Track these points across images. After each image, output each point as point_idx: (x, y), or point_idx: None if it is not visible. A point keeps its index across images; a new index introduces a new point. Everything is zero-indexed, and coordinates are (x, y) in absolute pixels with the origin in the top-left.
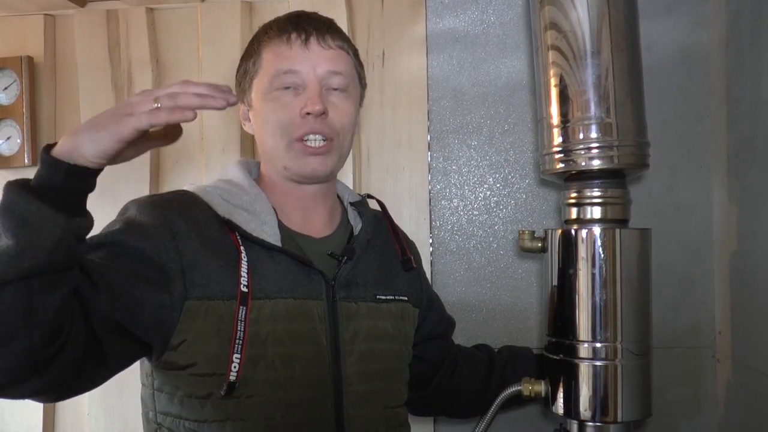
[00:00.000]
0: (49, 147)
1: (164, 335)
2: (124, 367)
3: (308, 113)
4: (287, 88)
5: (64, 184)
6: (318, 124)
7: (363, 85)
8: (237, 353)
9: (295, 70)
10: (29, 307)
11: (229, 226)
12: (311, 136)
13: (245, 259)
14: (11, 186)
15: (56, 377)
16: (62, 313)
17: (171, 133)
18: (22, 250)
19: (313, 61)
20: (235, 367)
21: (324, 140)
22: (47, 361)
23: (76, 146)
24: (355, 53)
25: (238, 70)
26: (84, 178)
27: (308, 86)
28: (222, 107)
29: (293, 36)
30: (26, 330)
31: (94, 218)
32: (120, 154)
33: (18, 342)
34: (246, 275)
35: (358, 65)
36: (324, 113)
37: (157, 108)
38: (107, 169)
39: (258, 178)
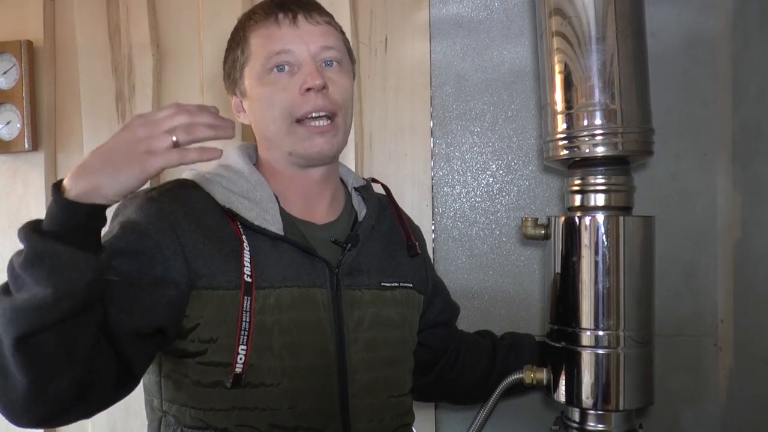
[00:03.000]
0: (58, 186)
1: (178, 327)
2: (149, 364)
3: (309, 89)
4: (282, 70)
5: (87, 226)
6: (320, 100)
7: (353, 60)
8: (243, 344)
9: (288, 50)
10: (71, 344)
11: (230, 216)
12: (314, 114)
13: (247, 249)
14: (32, 234)
15: (98, 401)
16: (97, 343)
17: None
18: (60, 297)
19: (305, 38)
20: (240, 359)
21: (328, 119)
22: (88, 390)
23: (95, 187)
24: (341, 30)
25: (225, 62)
26: (102, 215)
27: (303, 64)
28: (232, 136)
29: (280, 16)
30: (71, 364)
31: None
32: None
33: (65, 377)
34: (249, 265)
35: (346, 41)
36: (324, 87)
37: (184, 149)
38: None
39: (257, 163)
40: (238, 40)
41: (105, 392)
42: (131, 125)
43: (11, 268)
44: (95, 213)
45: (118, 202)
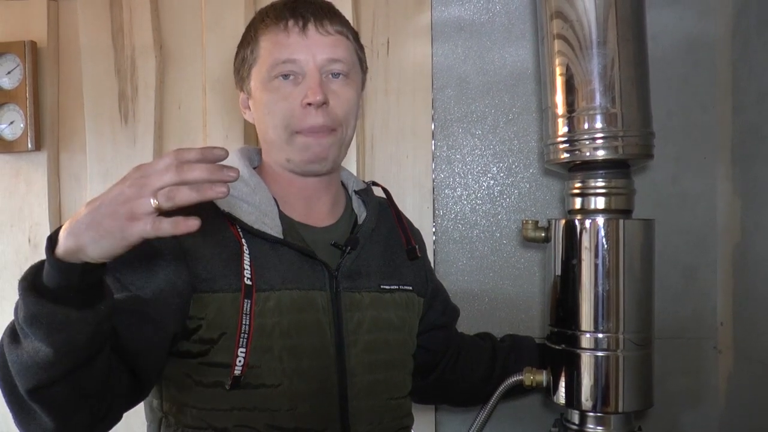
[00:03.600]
0: (53, 238)
1: (183, 329)
2: (161, 370)
3: (309, 104)
4: (287, 77)
5: (83, 283)
6: (320, 117)
7: (364, 69)
8: (242, 347)
9: (294, 59)
10: (83, 387)
11: (230, 219)
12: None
13: (247, 252)
14: (28, 294)
15: (115, 415)
16: (107, 375)
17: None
18: (62, 355)
19: (312, 49)
20: (240, 361)
21: (328, 130)
22: (109, 407)
23: (81, 247)
24: (356, 37)
25: (236, 57)
26: (99, 269)
27: (308, 75)
28: (223, 195)
29: (290, 23)
30: (88, 401)
31: None
32: None
33: (84, 411)
34: (249, 268)
35: (359, 49)
36: (325, 103)
37: (158, 220)
38: (110, 157)
39: (259, 166)
40: (249, 39)
41: (123, 406)
42: (126, 178)
43: (16, 315)
44: (90, 269)
45: (105, 261)
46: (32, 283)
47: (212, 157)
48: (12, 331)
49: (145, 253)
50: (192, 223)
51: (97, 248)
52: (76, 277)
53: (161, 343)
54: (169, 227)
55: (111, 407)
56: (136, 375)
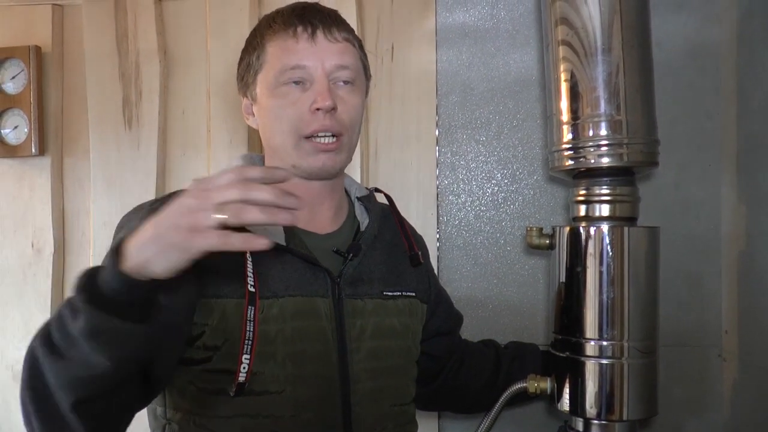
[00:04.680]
0: (116, 252)
1: (189, 326)
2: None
3: (318, 109)
4: (295, 83)
5: (146, 299)
6: (328, 121)
7: (368, 76)
8: (246, 354)
9: (303, 65)
10: (121, 400)
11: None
12: (321, 133)
13: (250, 259)
14: (91, 307)
15: (131, 416)
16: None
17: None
18: (119, 369)
19: (321, 55)
20: (244, 368)
21: (334, 137)
22: (127, 419)
23: (145, 263)
24: (360, 44)
25: (240, 63)
26: (161, 285)
27: (316, 81)
28: (288, 224)
29: (299, 29)
30: (118, 413)
31: (102, 210)
32: None
33: (110, 426)
34: (252, 275)
35: (364, 57)
36: (334, 108)
37: (228, 234)
38: (114, 161)
39: None
40: (255, 44)
41: (134, 412)
42: (186, 192)
43: (62, 324)
44: (153, 287)
45: (171, 276)
46: (92, 294)
47: (275, 178)
48: (48, 341)
49: None
50: (263, 242)
51: (162, 262)
52: (142, 293)
53: (180, 348)
54: (239, 242)
55: (128, 417)
56: (148, 380)
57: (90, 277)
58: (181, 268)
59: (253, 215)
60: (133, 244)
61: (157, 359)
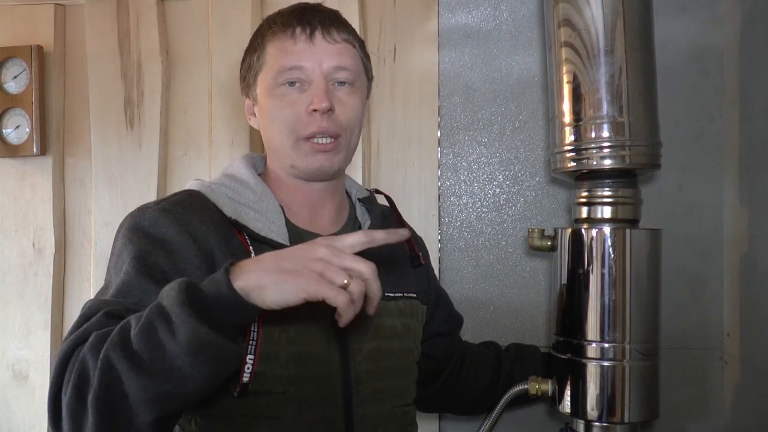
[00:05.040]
0: (228, 271)
1: None
2: None
3: (315, 110)
4: (293, 84)
5: (247, 322)
6: (325, 122)
7: (369, 78)
8: (251, 354)
9: (300, 66)
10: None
11: (237, 227)
12: (318, 135)
13: None
14: (201, 323)
15: None
16: None
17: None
18: (209, 387)
19: (319, 56)
20: (248, 368)
21: (331, 138)
22: None
23: (261, 287)
24: (362, 45)
25: (242, 64)
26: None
27: (314, 82)
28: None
29: (298, 30)
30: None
31: (103, 210)
32: None
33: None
34: None
35: (365, 57)
36: (331, 110)
37: (348, 296)
38: (115, 161)
39: (264, 173)
40: (256, 45)
41: None
42: (316, 242)
43: (152, 336)
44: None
45: (273, 309)
46: (198, 309)
47: (397, 239)
48: (129, 352)
49: (173, 260)
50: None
51: (276, 292)
52: (252, 317)
53: None
54: (351, 312)
55: None
56: None
57: (190, 290)
58: (287, 305)
59: (373, 293)
60: (248, 267)
61: None
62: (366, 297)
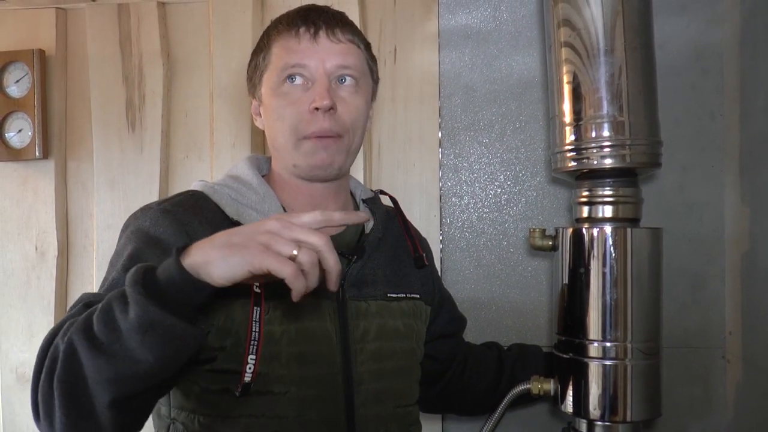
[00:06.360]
0: (180, 251)
1: None
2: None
3: (316, 108)
4: (296, 83)
5: (202, 302)
6: (327, 121)
7: (375, 79)
8: (252, 354)
9: (304, 65)
10: (151, 402)
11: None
12: (319, 135)
13: None
14: (150, 302)
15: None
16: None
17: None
18: (164, 368)
19: (322, 55)
20: (250, 368)
21: (334, 137)
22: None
23: (207, 262)
24: (367, 47)
25: (249, 65)
26: (213, 295)
27: (317, 81)
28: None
29: (302, 30)
30: (144, 415)
31: (106, 212)
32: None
33: (134, 428)
34: None
35: (370, 59)
36: (332, 108)
37: (296, 267)
38: (117, 164)
39: (268, 174)
40: (261, 45)
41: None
42: (269, 217)
43: (109, 317)
44: (212, 293)
45: (224, 285)
46: (148, 288)
47: (356, 221)
48: (89, 334)
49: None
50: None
51: (223, 266)
52: (204, 295)
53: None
54: (301, 284)
55: (148, 414)
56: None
57: (146, 272)
58: (235, 280)
59: (327, 262)
60: (199, 245)
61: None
62: (326, 274)
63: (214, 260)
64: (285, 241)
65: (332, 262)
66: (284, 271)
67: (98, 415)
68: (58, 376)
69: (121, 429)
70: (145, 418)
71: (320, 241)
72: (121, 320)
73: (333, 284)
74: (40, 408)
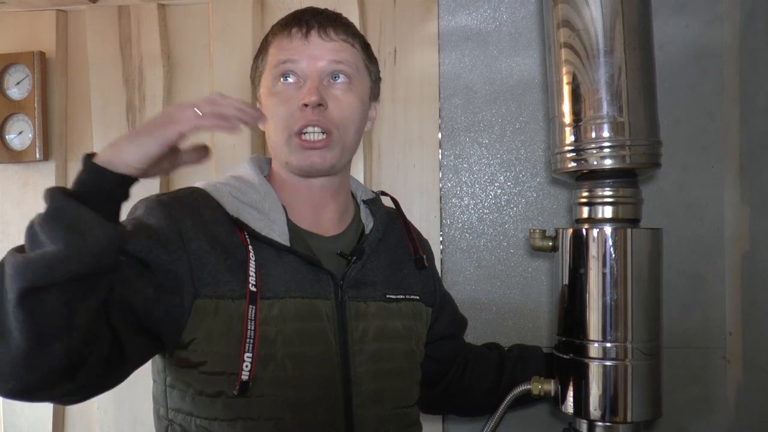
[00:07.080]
0: (90, 156)
1: (175, 332)
2: (140, 365)
3: (305, 105)
4: (289, 81)
5: (111, 194)
6: (315, 116)
7: (374, 79)
8: (248, 352)
9: (294, 61)
10: (71, 310)
11: (238, 225)
12: (309, 129)
13: (253, 259)
14: (56, 193)
15: (85, 380)
16: (97, 316)
17: (201, 151)
18: (70, 254)
19: (313, 52)
20: (247, 366)
21: (323, 133)
22: (80, 363)
23: (118, 153)
24: (364, 47)
25: (251, 67)
26: (127, 189)
27: (308, 78)
28: (254, 124)
29: (294, 30)
30: (66, 332)
31: None
32: (157, 165)
33: (61, 343)
34: (254, 274)
35: (368, 59)
36: (321, 105)
37: (200, 115)
38: None
39: (269, 174)
40: (261, 48)
41: (93, 373)
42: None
43: (30, 228)
44: (122, 183)
45: (137, 170)
46: (63, 189)
47: (250, 119)
48: (16, 249)
49: (153, 251)
50: (232, 123)
51: (133, 147)
52: (110, 184)
53: (147, 312)
54: (209, 121)
55: (84, 362)
56: (116, 351)
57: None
58: (150, 157)
59: (226, 108)
60: (109, 145)
61: (119, 320)
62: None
63: (124, 146)
64: (183, 109)
65: (231, 111)
66: (192, 122)
67: (8, 326)
68: None
69: (36, 341)
70: (97, 362)
71: (209, 107)
72: (36, 222)
73: (251, 117)
74: None
